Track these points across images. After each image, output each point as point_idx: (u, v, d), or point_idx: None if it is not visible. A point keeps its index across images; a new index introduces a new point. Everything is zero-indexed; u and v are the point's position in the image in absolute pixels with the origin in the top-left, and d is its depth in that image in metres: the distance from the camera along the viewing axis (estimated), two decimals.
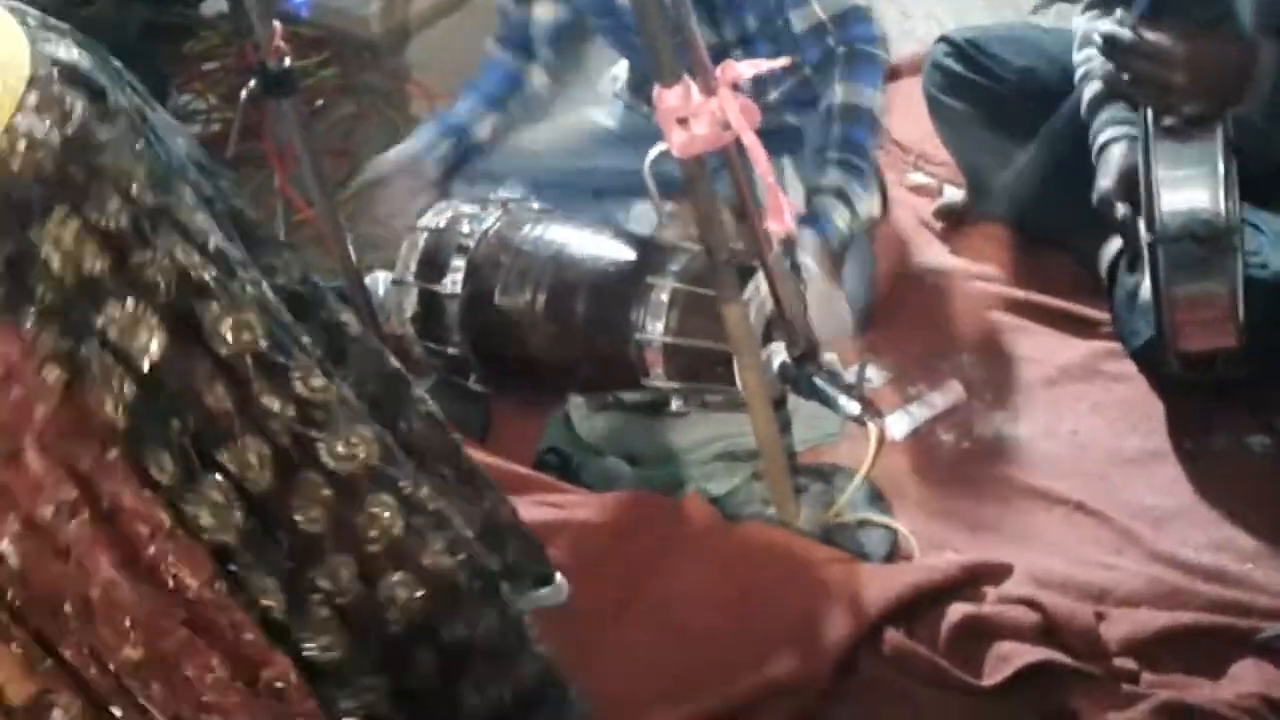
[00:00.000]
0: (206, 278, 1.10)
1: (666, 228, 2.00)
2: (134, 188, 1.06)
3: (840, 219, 2.07)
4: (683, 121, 1.49)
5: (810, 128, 2.25)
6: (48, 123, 1.01)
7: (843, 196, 2.08)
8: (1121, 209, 1.83)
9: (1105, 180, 1.87)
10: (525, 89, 2.37)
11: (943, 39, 2.24)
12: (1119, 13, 1.75)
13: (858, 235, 2.12)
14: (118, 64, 1.16)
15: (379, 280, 2.16)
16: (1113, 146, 1.89)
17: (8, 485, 1.06)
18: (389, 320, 2.13)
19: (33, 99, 1.01)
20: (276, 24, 1.80)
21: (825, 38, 2.12)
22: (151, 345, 1.06)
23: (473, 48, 3.13)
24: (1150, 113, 1.76)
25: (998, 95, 2.17)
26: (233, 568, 1.14)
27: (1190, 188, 1.69)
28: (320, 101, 3.07)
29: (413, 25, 3.33)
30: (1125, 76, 1.76)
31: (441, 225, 2.14)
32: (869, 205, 2.12)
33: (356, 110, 3.09)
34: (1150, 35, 1.71)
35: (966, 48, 2.19)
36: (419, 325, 2.12)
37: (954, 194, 2.37)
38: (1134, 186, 1.81)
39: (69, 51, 1.07)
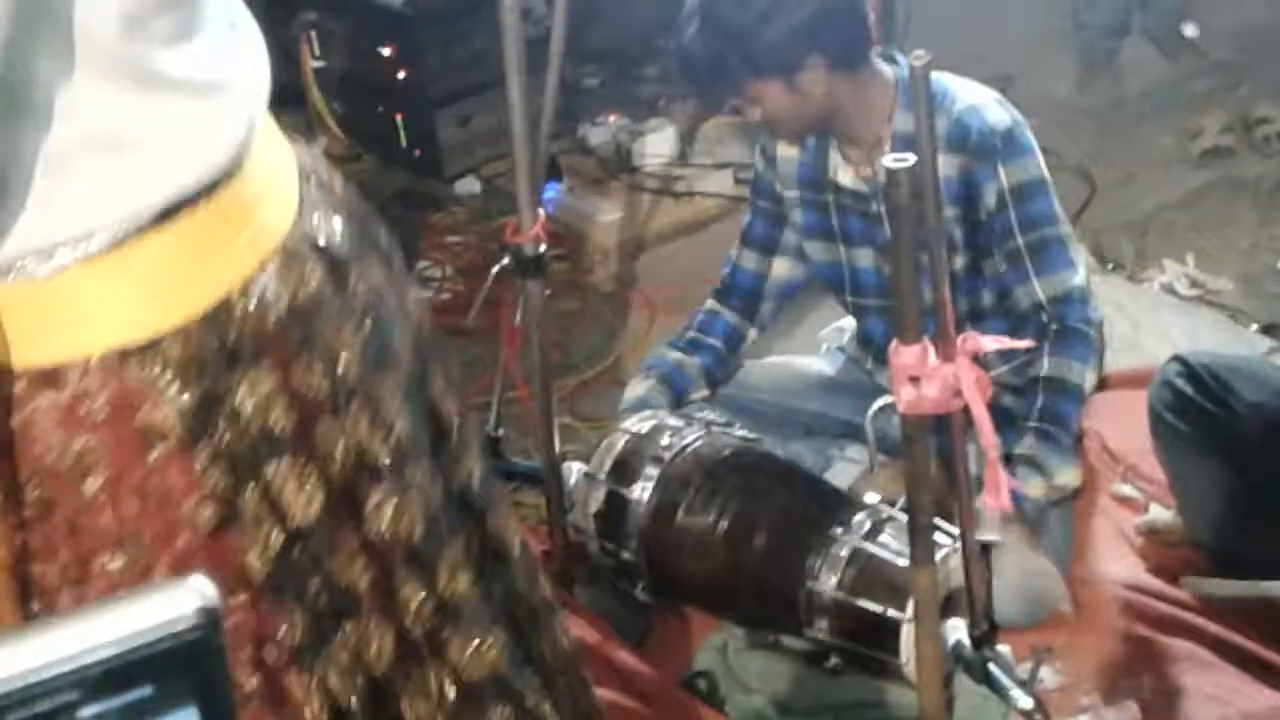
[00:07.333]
0: (381, 463, 1.11)
1: (874, 478, 2.00)
2: (341, 364, 1.09)
3: (1033, 489, 2.07)
4: (914, 380, 1.50)
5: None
6: (282, 288, 1.05)
7: (1035, 465, 2.09)
8: None
9: None
10: (741, 348, 2.48)
11: (1177, 358, 2.19)
12: None
13: (1057, 516, 2.07)
14: (385, 238, 1.20)
15: (572, 470, 2.20)
16: None
17: None
18: (573, 511, 2.15)
19: (276, 263, 1.05)
20: (541, 212, 1.89)
21: (1041, 314, 2.17)
22: (310, 507, 1.07)
23: (701, 272, 3.24)
24: None
25: (1225, 425, 2.10)
26: None
27: None
28: (548, 291, 3.17)
29: (649, 240, 3.45)
30: None
31: (643, 431, 2.18)
32: (1066, 476, 2.13)
33: (580, 307, 3.19)
34: None
35: (1199, 370, 2.13)
36: (600, 523, 2.14)
37: (1160, 513, 2.30)
38: None
39: (329, 225, 1.11)
